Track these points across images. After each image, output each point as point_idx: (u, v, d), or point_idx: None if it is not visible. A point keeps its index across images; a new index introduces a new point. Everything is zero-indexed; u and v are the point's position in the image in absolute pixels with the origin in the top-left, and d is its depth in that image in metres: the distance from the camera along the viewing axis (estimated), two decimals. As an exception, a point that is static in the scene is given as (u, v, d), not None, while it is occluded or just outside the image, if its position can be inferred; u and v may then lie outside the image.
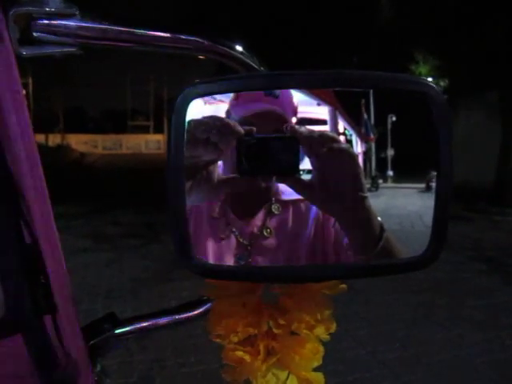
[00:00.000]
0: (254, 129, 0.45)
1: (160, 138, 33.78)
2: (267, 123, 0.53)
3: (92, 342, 0.55)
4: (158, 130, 34.68)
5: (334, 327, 0.46)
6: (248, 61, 0.48)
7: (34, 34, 0.39)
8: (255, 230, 0.57)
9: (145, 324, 0.57)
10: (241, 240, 0.56)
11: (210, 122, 0.45)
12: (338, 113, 0.83)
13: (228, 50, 0.46)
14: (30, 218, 0.46)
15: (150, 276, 4.30)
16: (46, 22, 0.39)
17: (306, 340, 0.46)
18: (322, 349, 0.47)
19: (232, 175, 0.47)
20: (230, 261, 0.56)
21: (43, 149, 16.62)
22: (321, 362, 0.47)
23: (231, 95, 0.64)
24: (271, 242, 0.56)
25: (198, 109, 0.83)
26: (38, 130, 18.68)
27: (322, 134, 0.47)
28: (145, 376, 2.60)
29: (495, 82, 8.25)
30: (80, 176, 12.42)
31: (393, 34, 9.02)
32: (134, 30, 0.42)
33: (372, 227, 0.47)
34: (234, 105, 0.60)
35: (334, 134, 0.48)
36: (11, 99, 0.37)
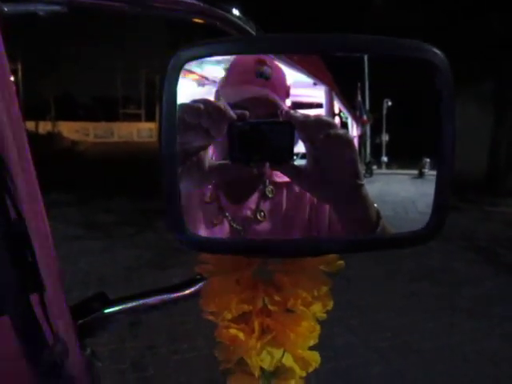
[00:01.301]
0: (247, 113, 0.43)
1: (152, 126, 33.50)
2: (259, 108, 0.51)
3: (81, 322, 0.54)
4: (150, 118, 34.39)
5: (331, 304, 0.45)
6: (245, 26, 0.46)
7: (17, -11, 0.37)
8: (248, 213, 0.55)
9: (136, 304, 0.55)
10: (234, 225, 0.55)
11: (201, 106, 0.42)
12: (334, 94, 0.81)
13: (224, 13, 0.44)
14: (16, 194, 0.45)
15: (144, 264, 4.28)
16: (29, -24, 0.36)
17: (302, 317, 0.44)
18: (318, 327, 0.45)
19: (224, 162, 0.45)
20: None
21: (33, 136, 16.44)
22: (317, 341, 0.46)
23: (221, 76, 0.62)
24: (265, 226, 0.55)
25: (190, 90, 0.80)
26: (28, 117, 18.44)
27: (318, 120, 0.45)
28: (137, 363, 2.59)
29: (489, 73, 8.26)
30: (72, 164, 12.32)
31: (386, 25, 8.98)
32: (126, -13, 0.40)
33: (369, 215, 0.46)
34: (223, 86, 0.58)
35: (330, 120, 0.46)
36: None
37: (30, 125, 19.29)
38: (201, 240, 0.41)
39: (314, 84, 0.82)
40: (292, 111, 0.44)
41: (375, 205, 0.46)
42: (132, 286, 3.63)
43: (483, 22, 7.54)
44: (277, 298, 0.44)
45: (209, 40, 0.37)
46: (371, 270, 4.03)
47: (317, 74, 0.83)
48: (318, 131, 0.44)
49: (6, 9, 0.36)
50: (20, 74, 19.39)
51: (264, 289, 0.44)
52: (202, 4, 0.43)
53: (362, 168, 0.46)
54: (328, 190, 0.46)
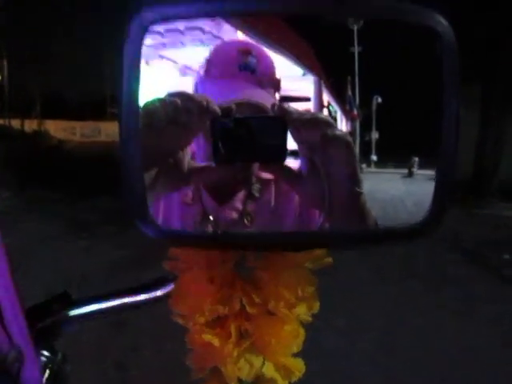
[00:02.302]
0: (233, 107, 0.38)
1: (140, 125, 33.31)
2: (244, 109, 0.45)
3: (40, 325, 0.48)
4: (139, 117, 34.20)
5: (317, 306, 0.40)
6: None
7: None
8: (234, 215, 0.50)
9: (102, 305, 0.50)
10: (218, 231, 0.49)
11: (178, 101, 0.37)
12: (323, 84, 0.77)
13: None
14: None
15: (127, 263, 4.21)
16: None
17: (284, 321, 0.39)
18: (302, 331, 0.40)
19: (205, 164, 0.40)
20: None
21: (19, 135, 16.21)
22: (301, 347, 0.41)
23: (201, 67, 0.56)
24: (252, 231, 0.50)
25: (173, 81, 0.75)
26: (14, 115, 18.18)
27: (314, 117, 0.40)
28: (120, 363, 2.53)
29: (476, 76, 8.35)
30: (58, 163, 12.16)
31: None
32: None
33: (366, 225, 0.41)
34: (204, 79, 0.53)
35: (328, 118, 0.41)
36: None
37: (16, 123, 18.99)
38: (166, 229, 0.35)
39: (303, 75, 0.78)
40: (285, 105, 0.39)
41: (372, 213, 0.42)
42: (116, 286, 3.54)
43: (467, 24, 7.63)
44: (256, 299, 0.38)
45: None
46: (357, 269, 4.02)
47: (305, 62, 0.79)
48: (314, 131, 0.39)
49: None
50: (6, 71, 19.10)
51: (242, 288, 0.39)
52: None
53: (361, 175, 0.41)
54: (323, 196, 0.41)
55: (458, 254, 4.86)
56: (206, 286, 0.39)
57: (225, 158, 0.37)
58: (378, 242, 0.38)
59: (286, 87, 0.59)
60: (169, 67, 0.70)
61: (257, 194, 0.51)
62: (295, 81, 0.73)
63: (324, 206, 0.41)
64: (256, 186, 0.51)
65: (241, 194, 0.51)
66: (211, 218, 0.50)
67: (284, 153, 0.38)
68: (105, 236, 5.20)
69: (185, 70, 0.73)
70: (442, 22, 0.33)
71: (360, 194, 0.41)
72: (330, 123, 0.40)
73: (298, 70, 0.74)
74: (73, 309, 0.49)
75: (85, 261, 4.30)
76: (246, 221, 0.50)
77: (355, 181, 0.40)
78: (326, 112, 0.75)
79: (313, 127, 0.39)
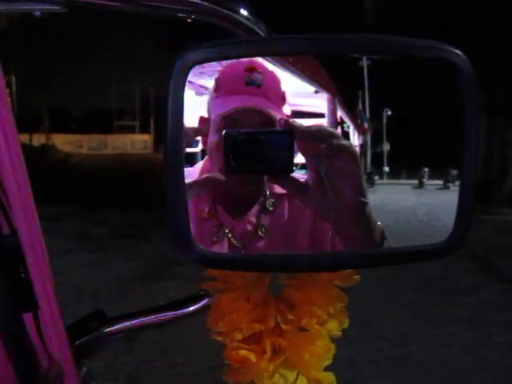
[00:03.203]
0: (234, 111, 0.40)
1: (146, 137, 33.53)
2: (251, 118, 0.49)
3: (78, 342, 0.50)
4: (144, 129, 34.42)
5: (347, 322, 0.42)
6: (254, 27, 0.43)
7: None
8: (249, 227, 0.52)
9: (135, 322, 0.52)
10: (234, 242, 0.51)
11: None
12: (337, 102, 0.79)
13: (231, 13, 0.41)
14: (9, 208, 0.42)
15: (137, 276, 4.22)
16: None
17: (316, 336, 0.41)
18: (333, 346, 0.42)
19: (212, 174, 0.43)
20: None
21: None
22: (332, 361, 0.43)
23: (212, 87, 0.59)
24: (266, 242, 0.52)
25: (190, 99, 0.78)
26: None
27: (319, 129, 0.42)
28: (132, 378, 2.53)
29: (483, 83, 8.36)
30: (65, 176, 12.24)
31: (378, 33, 9.06)
32: (130, -14, 0.37)
33: (372, 236, 0.42)
34: (214, 98, 0.55)
35: (333, 130, 0.43)
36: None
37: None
38: (208, 256, 0.38)
39: (316, 92, 0.80)
40: (291, 120, 0.42)
41: (379, 223, 0.43)
42: (126, 300, 3.57)
43: (471, 36, 7.67)
44: (290, 316, 0.41)
45: (218, 41, 0.34)
46: (369, 279, 4.00)
47: (319, 81, 0.81)
48: (320, 142, 0.41)
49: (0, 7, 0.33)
50: (14, 86, 19.36)
51: (276, 306, 0.41)
52: (206, 3, 0.40)
53: (366, 184, 0.43)
54: (329, 207, 0.42)
55: (467, 261, 4.83)
56: (243, 305, 0.41)
57: (235, 169, 0.40)
58: (403, 262, 0.40)
59: (298, 103, 0.62)
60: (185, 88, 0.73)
61: (270, 208, 0.53)
62: (308, 97, 0.75)
63: (330, 215, 0.42)
64: (270, 201, 0.54)
65: (255, 209, 0.53)
66: (226, 230, 0.52)
67: (291, 165, 0.40)
68: (115, 249, 5.21)
69: (200, 90, 0.76)
70: (460, 56, 0.35)
71: (365, 203, 0.42)
72: (335, 135, 0.42)
73: (310, 88, 0.76)
74: (108, 326, 0.51)
75: (96, 274, 4.31)
76: (260, 232, 0.52)
77: (360, 191, 0.42)
78: (339, 129, 0.77)
79: (318, 139, 0.41)
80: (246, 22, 0.42)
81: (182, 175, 0.34)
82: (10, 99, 0.38)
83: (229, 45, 0.34)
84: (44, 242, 0.44)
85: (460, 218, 0.37)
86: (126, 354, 2.71)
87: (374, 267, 0.39)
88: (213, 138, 0.49)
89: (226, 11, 0.41)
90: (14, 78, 19.18)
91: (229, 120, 0.48)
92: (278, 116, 0.49)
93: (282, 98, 0.55)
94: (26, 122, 19.52)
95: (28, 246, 0.42)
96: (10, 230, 0.43)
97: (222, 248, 0.51)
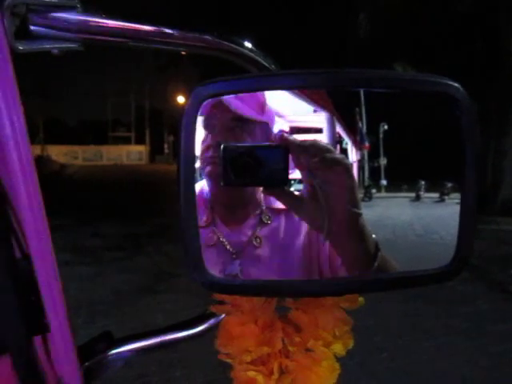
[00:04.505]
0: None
1: (142, 148, 33.54)
2: (224, 115, 0.49)
3: (86, 364, 0.51)
4: (140, 140, 34.45)
5: (351, 343, 0.43)
6: (259, 59, 0.45)
7: (31, 27, 0.35)
8: (244, 239, 0.54)
9: (143, 343, 0.53)
10: (228, 247, 0.53)
11: None
12: (335, 119, 0.81)
13: (236, 47, 0.43)
14: (22, 231, 0.43)
15: (134, 289, 4.20)
16: (44, 14, 0.35)
17: (322, 357, 0.42)
18: (337, 366, 0.44)
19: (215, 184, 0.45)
20: (215, 268, 0.52)
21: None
22: (336, 380, 0.44)
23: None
24: (260, 251, 0.53)
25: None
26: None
27: (313, 144, 0.44)
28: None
29: (476, 94, 8.46)
30: (60, 188, 12.19)
31: (371, 47, 9.15)
32: (139, 25, 0.39)
33: (366, 247, 0.43)
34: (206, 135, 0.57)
35: (326, 144, 0.45)
36: (4, 98, 0.34)
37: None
38: (219, 282, 0.39)
39: (314, 111, 0.82)
40: (286, 135, 0.43)
41: (373, 235, 0.44)
42: (123, 313, 3.54)
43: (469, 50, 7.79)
44: (297, 338, 0.42)
45: (231, 76, 0.36)
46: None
47: (317, 101, 0.83)
48: (314, 156, 0.42)
49: (20, 47, 0.35)
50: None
51: (283, 329, 0.43)
52: (211, 38, 0.42)
53: (359, 195, 0.44)
54: (323, 218, 0.43)
55: (465, 270, 4.83)
56: (251, 328, 0.42)
57: (233, 181, 0.41)
58: (408, 286, 0.41)
59: (297, 119, 0.63)
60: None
61: (267, 222, 0.55)
62: (307, 115, 0.76)
63: (324, 227, 0.43)
64: (266, 216, 0.55)
65: (251, 221, 0.55)
66: (222, 239, 0.53)
67: (286, 178, 0.42)
68: (110, 261, 5.18)
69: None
70: (459, 89, 0.37)
71: (359, 214, 0.43)
72: (329, 149, 0.43)
73: (309, 107, 0.78)
74: (115, 348, 0.52)
75: (92, 287, 4.28)
76: (255, 242, 0.53)
77: (353, 201, 0.43)
78: (337, 147, 0.78)
79: (312, 153, 0.43)
80: (252, 55, 0.43)
81: (194, 206, 0.35)
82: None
83: (240, 80, 0.36)
84: (57, 266, 0.45)
85: (461, 244, 0.38)
86: (123, 367, 2.69)
87: (376, 292, 0.40)
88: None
89: (231, 45, 0.42)
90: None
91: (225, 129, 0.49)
92: (256, 118, 0.50)
93: (259, 107, 0.53)
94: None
95: (41, 270, 0.43)
96: (23, 255, 0.44)
97: (217, 251, 0.53)
